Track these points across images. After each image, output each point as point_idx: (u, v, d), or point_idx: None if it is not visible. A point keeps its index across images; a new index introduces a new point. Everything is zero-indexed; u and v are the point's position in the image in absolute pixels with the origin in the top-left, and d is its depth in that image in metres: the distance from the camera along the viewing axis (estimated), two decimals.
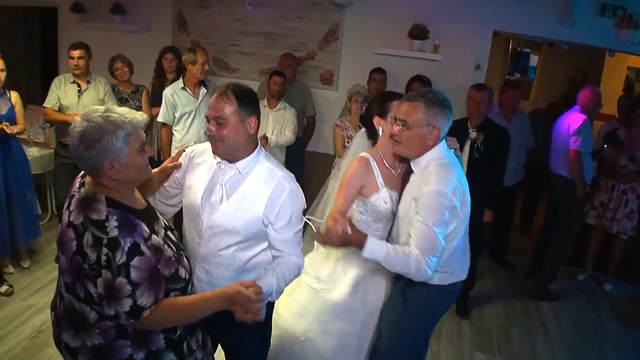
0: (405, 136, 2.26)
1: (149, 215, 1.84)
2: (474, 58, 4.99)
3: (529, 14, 4.72)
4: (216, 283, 2.06)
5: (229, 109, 1.94)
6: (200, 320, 1.93)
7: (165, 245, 1.79)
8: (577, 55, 7.72)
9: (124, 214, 1.67)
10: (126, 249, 1.60)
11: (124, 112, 1.71)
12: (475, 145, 3.81)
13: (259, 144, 2.11)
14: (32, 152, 4.64)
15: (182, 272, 1.86)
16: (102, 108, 1.71)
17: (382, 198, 2.46)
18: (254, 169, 2.06)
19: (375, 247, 2.17)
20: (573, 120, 4.32)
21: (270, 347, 2.58)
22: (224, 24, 5.51)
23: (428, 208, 2.17)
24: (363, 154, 2.53)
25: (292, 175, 2.11)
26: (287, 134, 4.66)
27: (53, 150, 4.70)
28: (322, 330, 2.62)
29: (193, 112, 4.30)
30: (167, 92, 4.30)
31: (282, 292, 2.10)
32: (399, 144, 2.31)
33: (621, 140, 4.55)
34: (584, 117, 4.28)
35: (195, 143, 4.06)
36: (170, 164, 2.19)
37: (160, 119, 4.36)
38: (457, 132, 2.77)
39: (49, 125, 4.83)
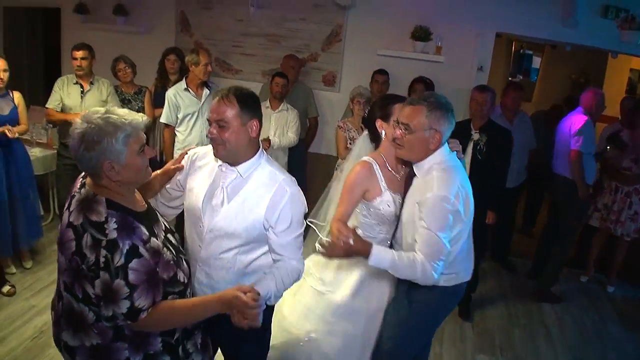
0: (407, 140, 2.26)
1: (149, 217, 1.83)
2: (476, 60, 4.99)
3: (532, 15, 4.72)
4: (217, 286, 2.06)
5: (231, 112, 1.94)
6: (200, 322, 1.93)
7: (165, 249, 1.79)
8: (580, 57, 7.71)
9: (123, 216, 1.67)
10: (125, 251, 1.61)
11: (124, 114, 1.71)
12: (478, 147, 3.81)
13: (261, 147, 2.11)
14: (34, 152, 4.65)
15: (181, 276, 1.86)
16: (102, 109, 1.71)
17: (385, 202, 2.47)
18: (255, 173, 2.06)
19: (380, 256, 2.19)
20: (575, 121, 4.33)
21: (275, 348, 2.59)
22: (226, 25, 5.51)
23: (432, 213, 2.18)
24: (365, 158, 2.53)
25: (294, 179, 2.11)
26: (290, 136, 4.66)
27: (55, 151, 4.71)
28: (326, 331, 2.62)
29: (196, 113, 4.30)
30: (170, 93, 4.30)
31: (281, 296, 2.09)
32: (401, 148, 2.31)
33: (624, 142, 4.55)
34: (585, 118, 4.28)
35: (197, 144, 4.14)
36: (173, 166, 2.19)
37: (163, 120, 4.37)
38: (460, 133, 2.77)
39: (51, 126, 4.84)
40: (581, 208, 4.52)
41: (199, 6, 5.54)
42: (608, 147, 4.67)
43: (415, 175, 2.36)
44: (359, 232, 2.44)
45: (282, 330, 2.70)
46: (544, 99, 8.07)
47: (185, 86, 4.30)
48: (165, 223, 1.96)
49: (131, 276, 1.62)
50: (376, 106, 2.65)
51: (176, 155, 4.10)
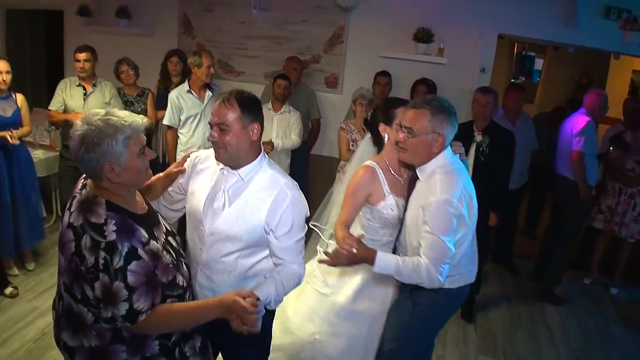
0: (410, 143, 2.26)
1: (150, 220, 1.83)
2: (478, 61, 4.98)
3: (534, 17, 4.72)
4: (218, 290, 2.06)
5: (232, 115, 1.94)
6: (200, 326, 1.93)
7: (164, 252, 1.78)
8: (582, 59, 7.71)
9: (123, 218, 1.67)
10: (124, 253, 1.61)
11: (124, 116, 1.71)
12: (481, 149, 3.80)
13: (262, 150, 2.11)
14: (37, 154, 4.66)
15: (180, 280, 1.85)
16: (102, 111, 1.71)
17: (388, 205, 2.47)
18: (256, 176, 2.05)
19: (385, 263, 2.20)
20: (577, 122, 4.34)
21: (279, 350, 2.59)
22: (229, 27, 5.52)
23: (435, 217, 2.18)
24: (368, 162, 2.53)
25: (295, 183, 2.11)
26: (293, 138, 4.66)
27: (58, 153, 4.72)
28: (330, 333, 2.63)
29: (198, 115, 4.30)
30: (172, 95, 4.31)
31: (282, 301, 2.09)
32: (404, 151, 2.31)
33: (627, 143, 4.54)
34: (587, 118, 4.29)
35: (200, 146, 4.14)
36: (175, 169, 2.19)
37: (165, 122, 4.37)
38: (463, 135, 2.77)
39: (54, 128, 4.85)
40: (583, 209, 4.51)
41: (202, 8, 5.55)
42: (611, 148, 4.66)
43: (418, 178, 2.36)
44: (364, 236, 2.44)
45: (286, 332, 2.70)
46: (547, 100, 8.07)
47: (188, 88, 4.30)
48: (166, 225, 1.96)
49: (130, 278, 1.62)
50: (379, 110, 2.65)
51: (179, 157, 4.11)
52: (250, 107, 1.98)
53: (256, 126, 2.00)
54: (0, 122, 3.75)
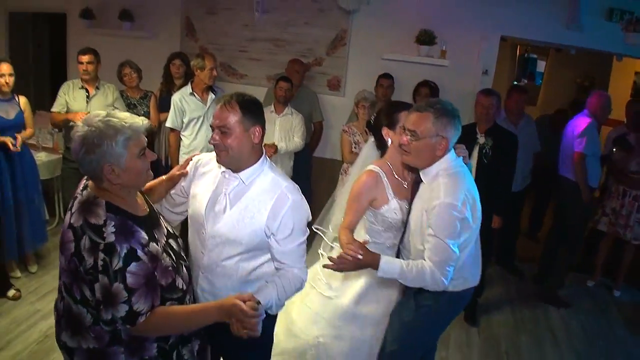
0: (414, 146, 2.26)
1: (150, 222, 1.83)
2: (481, 63, 4.98)
3: (536, 19, 4.71)
4: (219, 293, 2.05)
5: (233, 118, 1.94)
6: (199, 329, 1.92)
7: (164, 254, 1.78)
8: (585, 61, 7.69)
9: (122, 219, 1.67)
10: (122, 254, 1.61)
11: (125, 117, 1.72)
12: (484, 151, 3.80)
13: (264, 153, 2.10)
14: (40, 157, 4.67)
15: (180, 283, 1.85)
16: (103, 113, 1.72)
17: (392, 209, 2.47)
18: (257, 179, 2.05)
19: (389, 267, 2.20)
20: (579, 123, 4.35)
21: (284, 353, 2.59)
22: (231, 30, 5.53)
23: (439, 221, 2.18)
24: (372, 167, 2.52)
25: (297, 186, 2.10)
26: (296, 140, 4.66)
27: (61, 156, 4.73)
28: (334, 336, 2.63)
29: (201, 118, 4.30)
30: (175, 97, 4.32)
31: (283, 305, 2.08)
32: (407, 154, 2.31)
33: (631, 145, 4.53)
34: (589, 120, 4.30)
35: (203, 149, 4.14)
36: (178, 172, 2.19)
37: (168, 124, 4.38)
38: (466, 137, 2.77)
39: (57, 130, 4.86)
40: (585, 210, 4.50)
41: (204, 11, 5.56)
42: (614, 150, 4.65)
43: (421, 181, 2.36)
44: (367, 238, 2.45)
45: (291, 335, 2.70)
46: (549, 102, 8.05)
47: (191, 90, 4.31)
48: (168, 228, 1.95)
49: (129, 280, 1.62)
50: (382, 114, 2.65)
51: (182, 159, 4.12)
52: (252, 110, 1.98)
53: (257, 129, 2.00)
54: (3, 124, 3.76)
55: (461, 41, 4.91)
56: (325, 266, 2.27)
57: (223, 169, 2.07)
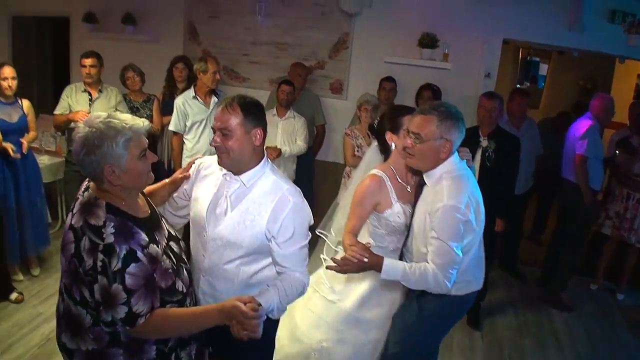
0: (418, 149, 2.26)
1: (151, 224, 1.83)
2: (483, 66, 4.98)
3: (539, 21, 4.71)
4: (220, 297, 2.04)
5: (235, 120, 1.94)
6: (196, 333, 1.91)
7: (164, 256, 1.78)
8: (587, 63, 7.69)
9: (122, 220, 1.67)
10: (122, 255, 1.61)
11: (125, 118, 1.72)
12: (487, 154, 3.79)
13: (265, 156, 2.10)
14: (43, 160, 4.68)
15: (180, 285, 1.84)
16: (104, 114, 1.72)
17: (395, 213, 2.47)
18: (259, 182, 2.04)
19: (392, 269, 2.20)
20: (580, 125, 4.36)
21: (288, 358, 2.58)
22: (234, 33, 5.54)
23: (442, 223, 2.18)
24: (375, 171, 2.52)
25: (299, 189, 2.09)
26: (299, 144, 4.66)
27: (64, 159, 4.73)
28: (337, 340, 2.62)
29: (204, 121, 4.30)
30: (178, 101, 4.32)
31: (285, 309, 2.06)
32: (411, 157, 2.31)
33: (634, 147, 4.52)
34: (590, 122, 4.30)
35: (206, 152, 4.14)
36: (180, 175, 2.20)
37: (171, 127, 4.38)
38: (468, 140, 2.76)
39: (60, 134, 4.87)
40: (588, 213, 4.48)
41: (207, 15, 5.57)
42: (617, 152, 4.64)
43: (425, 184, 2.35)
44: (371, 242, 2.44)
45: (295, 339, 2.70)
46: (552, 105, 8.04)
47: (194, 94, 4.31)
48: (170, 230, 1.95)
49: (129, 280, 1.61)
50: (385, 118, 2.66)
51: (184, 163, 4.12)
52: (253, 112, 1.98)
53: (259, 131, 2.00)
54: (6, 128, 3.77)
55: (463, 44, 4.91)
56: (328, 267, 2.27)
57: (224, 171, 2.07)
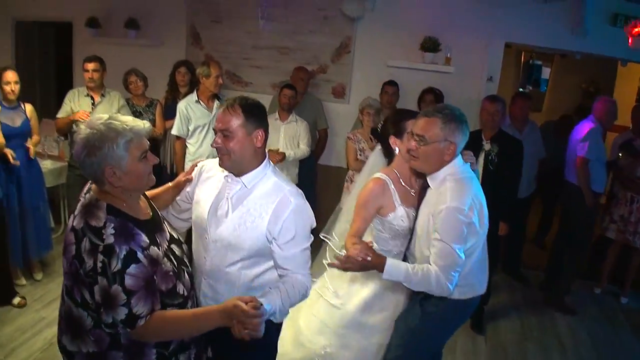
0: (422, 151, 2.25)
1: (153, 226, 1.82)
2: (485, 70, 4.98)
3: (541, 24, 4.72)
4: (221, 300, 1.98)
5: (236, 121, 1.94)
6: (198, 336, 1.90)
7: (165, 259, 1.77)
8: (590, 66, 7.69)
9: (122, 222, 1.67)
10: (122, 256, 1.60)
11: (127, 120, 1.72)
12: (490, 157, 3.79)
13: (267, 157, 2.09)
14: (46, 164, 4.68)
15: (181, 288, 1.82)
16: (106, 116, 1.72)
17: (399, 217, 2.46)
18: (260, 183, 2.04)
19: (394, 270, 2.18)
20: (582, 128, 4.35)
21: None
22: (237, 38, 5.55)
23: (445, 225, 2.17)
24: (378, 174, 2.52)
25: (301, 191, 2.08)
26: (303, 147, 4.67)
27: (66, 163, 4.74)
28: (340, 345, 2.61)
29: (207, 125, 4.31)
30: (181, 105, 4.33)
31: (287, 312, 2.05)
32: (415, 160, 2.30)
33: (637, 150, 4.51)
34: (592, 124, 4.30)
35: (209, 156, 4.14)
36: (183, 178, 2.20)
37: (174, 132, 4.39)
38: (471, 144, 2.77)
39: (62, 138, 4.88)
40: (590, 215, 4.47)
41: (210, 19, 5.59)
42: (620, 155, 4.63)
43: (428, 186, 2.35)
44: (374, 246, 2.43)
45: (299, 345, 2.69)
46: (554, 109, 8.04)
47: (197, 98, 4.32)
48: (172, 233, 1.94)
49: (128, 281, 1.61)
50: (389, 122, 2.65)
51: (187, 167, 4.12)
52: (255, 114, 1.98)
53: (260, 133, 1.99)
54: (9, 132, 3.78)
55: (466, 48, 4.92)
56: (330, 265, 2.25)
57: (226, 173, 2.06)
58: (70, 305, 1.73)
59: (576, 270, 4.60)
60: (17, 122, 3.87)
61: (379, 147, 2.79)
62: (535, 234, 6.13)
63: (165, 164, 4.84)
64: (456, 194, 2.19)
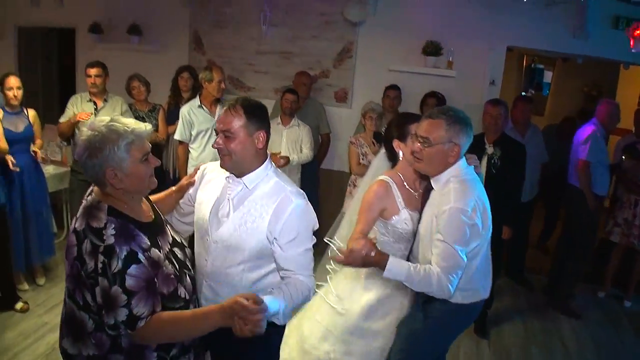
0: (426, 153, 2.25)
1: (154, 228, 1.82)
2: (488, 74, 4.98)
3: (543, 28, 4.71)
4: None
5: (237, 122, 1.93)
6: (198, 339, 1.88)
7: (167, 262, 1.76)
8: (592, 70, 7.69)
9: (123, 223, 1.67)
10: (122, 256, 1.60)
11: (128, 122, 1.72)
12: (492, 161, 3.79)
13: (268, 158, 2.09)
14: (48, 170, 4.68)
15: (182, 292, 1.82)
16: (107, 118, 1.73)
17: (403, 220, 2.46)
18: (261, 184, 2.03)
19: (396, 268, 2.16)
20: (583, 131, 4.36)
21: None
22: (239, 43, 5.56)
23: (448, 225, 2.16)
24: (382, 177, 2.52)
25: (303, 192, 2.07)
26: (306, 152, 4.67)
27: (69, 168, 4.75)
28: (344, 351, 2.60)
29: (209, 130, 4.31)
30: (184, 110, 4.34)
31: (290, 314, 2.03)
32: (420, 161, 2.30)
33: None
34: (593, 127, 4.30)
35: (211, 161, 4.13)
36: (186, 182, 2.20)
37: (177, 136, 4.40)
38: (474, 147, 2.76)
39: (65, 143, 4.89)
40: (593, 218, 4.46)
41: (212, 25, 5.60)
42: (623, 158, 4.62)
43: (432, 188, 2.35)
44: (375, 237, 2.43)
45: (302, 351, 2.69)
46: (557, 112, 8.03)
47: (199, 103, 4.33)
48: (175, 237, 1.94)
49: (129, 282, 1.60)
50: (393, 126, 2.65)
51: (190, 172, 4.13)
52: (256, 115, 1.98)
53: (262, 134, 1.99)
54: (12, 137, 3.79)
55: (468, 52, 4.91)
56: (332, 258, 2.23)
57: (227, 174, 2.06)
58: (72, 308, 1.73)
59: (579, 274, 4.59)
60: (20, 127, 3.88)
61: (382, 151, 2.79)
62: (537, 238, 6.11)
63: (168, 168, 4.85)
64: (460, 195, 2.18)
